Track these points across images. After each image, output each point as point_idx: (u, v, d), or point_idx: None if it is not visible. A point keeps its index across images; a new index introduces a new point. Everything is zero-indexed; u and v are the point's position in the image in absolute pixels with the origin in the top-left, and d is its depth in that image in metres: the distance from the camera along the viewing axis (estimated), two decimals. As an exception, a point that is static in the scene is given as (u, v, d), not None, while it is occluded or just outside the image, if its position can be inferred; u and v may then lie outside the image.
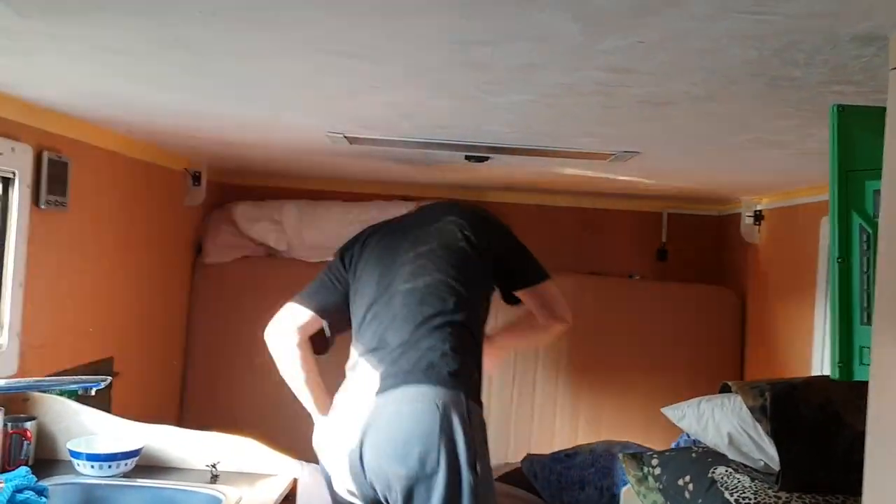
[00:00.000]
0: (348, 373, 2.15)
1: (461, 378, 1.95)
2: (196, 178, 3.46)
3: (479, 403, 2.00)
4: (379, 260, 2.16)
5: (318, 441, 2.14)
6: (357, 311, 2.17)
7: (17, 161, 2.11)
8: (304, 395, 2.23)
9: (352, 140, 2.39)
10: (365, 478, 1.96)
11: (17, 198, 2.13)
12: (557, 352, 3.69)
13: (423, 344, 1.98)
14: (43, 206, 2.23)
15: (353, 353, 2.15)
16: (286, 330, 2.32)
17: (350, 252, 2.26)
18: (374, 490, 1.96)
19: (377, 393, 1.97)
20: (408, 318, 2.02)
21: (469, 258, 2.10)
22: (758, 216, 3.53)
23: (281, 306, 3.74)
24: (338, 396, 2.15)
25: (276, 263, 3.71)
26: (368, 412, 1.95)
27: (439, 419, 1.87)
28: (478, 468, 1.88)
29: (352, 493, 2.03)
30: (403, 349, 1.99)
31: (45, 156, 2.22)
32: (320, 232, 3.70)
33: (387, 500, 1.95)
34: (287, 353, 2.29)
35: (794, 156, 2.17)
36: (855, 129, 1.11)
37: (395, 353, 2.00)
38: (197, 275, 3.69)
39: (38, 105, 2.14)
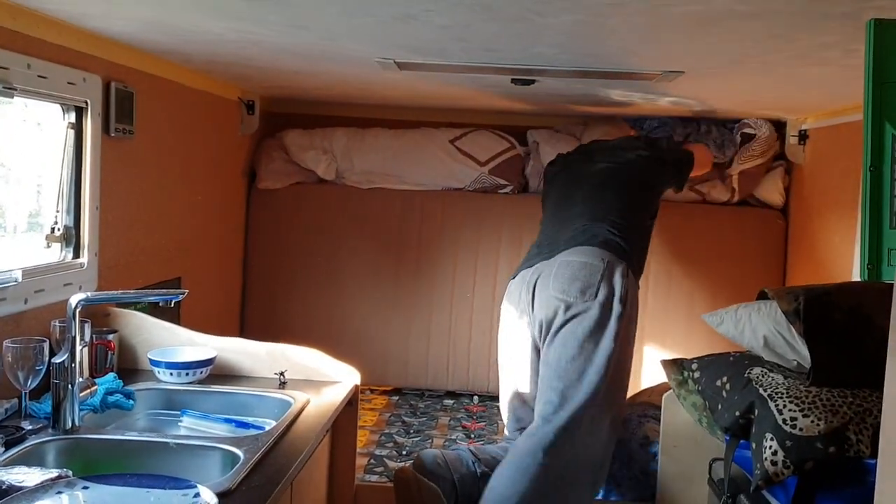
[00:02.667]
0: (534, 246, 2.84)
1: (627, 254, 2.60)
2: (250, 108, 3.58)
3: (637, 283, 2.66)
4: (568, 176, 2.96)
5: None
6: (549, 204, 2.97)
7: (89, 91, 2.23)
8: None
9: (402, 66, 2.46)
10: (532, 311, 2.59)
11: (90, 126, 2.26)
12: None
13: (598, 227, 2.66)
14: (113, 134, 2.36)
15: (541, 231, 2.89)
16: None
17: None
18: (539, 327, 2.55)
19: (552, 254, 2.63)
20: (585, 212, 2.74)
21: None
22: (802, 136, 3.53)
23: (332, 230, 3.93)
24: (516, 269, 2.81)
25: (327, 189, 3.84)
26: (545, 265, 2.61)
27: (602, 269, 2.51)
28: (626, 302, 2.48)
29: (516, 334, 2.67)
30: (573, 231, 2.68)
31: (113, 86, 2.34)
32: (369, 158, 3.80)
33: (538, 336, 2.58)
34: None
35: (836, 73, 2.19)
36: (890, 42, 1.16)
37: (565, 232, 2.69)
38: (252, 200, 3.84)
39: (104, 36, 2.24)
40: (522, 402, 2.68)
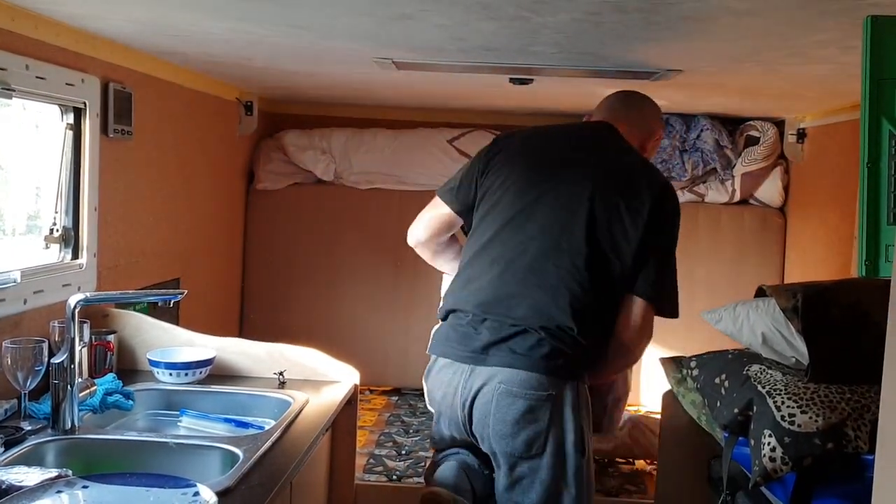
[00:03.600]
0: (448, 314, 2.06)
1: (579, 356, 1.92)
2: (248, 108, 3.58)
3: (585, 381, 1.97)
4: (512, 188, 2.04)
5: (428, 382, 2.09)
6: (471, 243, 2.08)
7: (87, 92, 2.23)
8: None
9: (400, 65, 2.46)
10: (470, 434, 2.00)
11: (89, 127, 2.26)
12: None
13: (542, 319, 1.90)
14: (111, 135, 2.36)
15: (453, 288, 2.08)
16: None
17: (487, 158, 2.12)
18: (476, 443, 2.00)
19: (487, 360, 1.93)
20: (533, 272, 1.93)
21: (606, 246, 1.95)
22: (801, 134, 3.53)
23: (331, 230, 3.91)
24: (439, 332, 2.07)
25: (326, 190, 3.84)
26: (479, 381, 1.93)
27: (549, 410, 1.89)
28: (585, 450, 1.93)
29: (453, 436, 2.05)
30: (516, 324, 1.92)
31: (111, 87, 2.34)
32: (367, 158, 3.81)
33: (490, 452, 1.98)
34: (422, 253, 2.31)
35: (834, 70, 2.20)
36: (887, 39, 1.17)
37: (505, 320, 1.93)
38: (251, 201, 3.85)
39: (102, 37, 2.25)
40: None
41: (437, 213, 2.20)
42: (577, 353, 1.91)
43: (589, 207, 1.93)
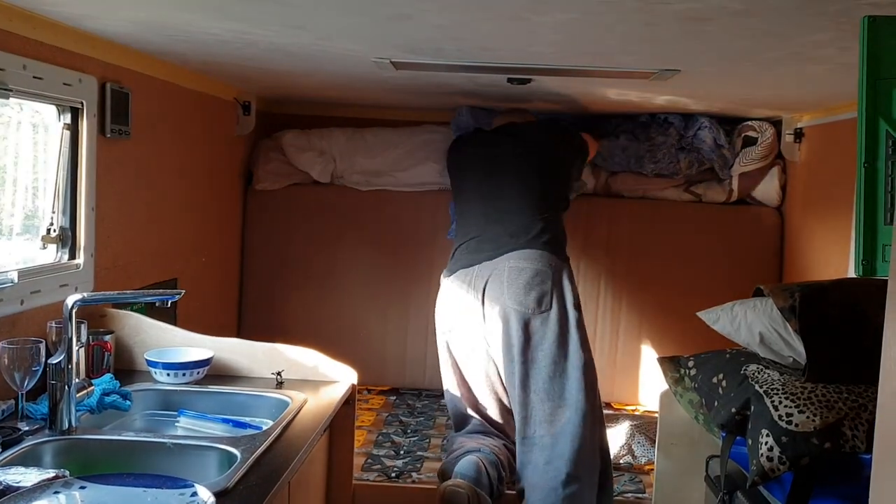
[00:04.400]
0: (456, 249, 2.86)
1: (560, 246, 2.74)
2: (246, 108, 3.58)
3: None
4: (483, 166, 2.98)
5: (439, 300, 2.85)
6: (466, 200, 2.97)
7: (84, 92, 2.23)
8: None
9: (398, 65, 2.46)
10: (484, 320, 2.63)
11: (86, 127, 2.26)
12: (599, 269, 3.80)
13: (534, 223, 2.75)
14: (108, 135, 2.36)
15: (459, 231, 2.92)
16: None
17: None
18: (488, 332, 2.63)
19: (495, 255, 2.67)
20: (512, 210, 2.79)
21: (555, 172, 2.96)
22: (798, 134, 3.54)
23: (329, 230, 3.91)
24: (449, 264, 2.85)
25: (324, 190, 3.83)
26: (489, 270, 2.65)
27: (552, 275, 2.61)
28: (579, 307, 2.63)
29: (463, 351, 2.76)
30: (512, 228, 2.74)
31: (109, 87, 2.34)
32: (367, 158, 3.80)
33: (490, 342, 2.66)
34: None
35: (832, 71, 2.20)
36: (884, 39, 1.17)
37: (503, 228, 2.74)
38: (249, 201, 3.84)
39: (99, 36, 2.24)
40: (472, 404, 2.84)
41: None
42: (559, 238, 2.79)
43: (529, 159, 2.89)
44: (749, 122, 3.66)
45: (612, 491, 2.68)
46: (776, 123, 3.64)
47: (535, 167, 2.89)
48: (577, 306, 2.62)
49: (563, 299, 2.59)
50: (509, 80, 2.66)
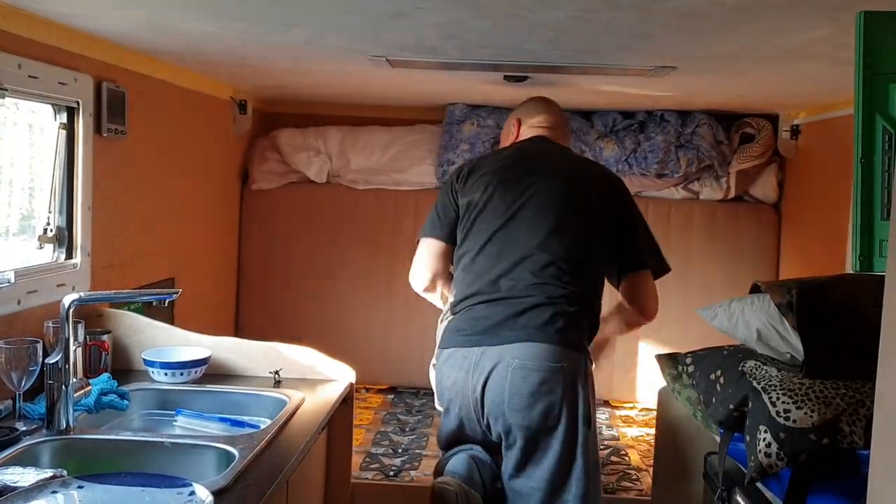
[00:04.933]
0: (457, 306, 2.23)
1: (582, 331, 2.12)
2: (242, 107, 3.57)
3: (590, 358, 2.17)
4: (497, 194, 2.22)
5: (437, 374, 2.23)
6: (470, 246, 2.24)
7: (80, 91, 2.23)
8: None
9: (394, 63, 2.46)
10: (482, 417, 2.11)
11: (82, 126, 2.26)
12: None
13: (544, 298, 2.09)
14: (105, 134, 2.35)
15: (461, 286, 2.23)
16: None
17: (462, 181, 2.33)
18: (488, 431, 2.12)
19: (501, 338, 2.08)
20: (526, 269, 2.13)
21: (592, 227, 2.20)
22: (795, 130, 3.54)
23: (326, 229, 3.90)
24: (448, 328, 2.22)
25: (321, 189, 3.83)
26: (491, 362, 2.07)
27: (563, 382, 2.03)
28: (591, 422, 2.08)
29: (462, 428, 2.17)
30: (523, 301, 2.10)
31: (105, 86, 2.34)
32: (363, 156, 3.80)
33: (499, 440, 2.11)
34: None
35: (828, 67, 2.20)
36: (880, 34, 1.17)
37: (515, 303, 2.10)
38: (246, 200, 3.84)
39: (95, 36, 2.24)
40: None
41: (429, 251, 2.35)
42: (583, 325, 2.13)
43: (567, 201, 2.19)
44: (746, 119, 3.66)
45: None
46: (773, 120, 3.65)
47: (579, 210, 2.19)
48: (589, 420, 2.07)
49: (574, 412, 2.04)
50: (506, 77, 2.66)
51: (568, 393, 2.04)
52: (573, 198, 2.19)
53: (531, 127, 2.41)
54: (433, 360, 2.28)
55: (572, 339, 2.08)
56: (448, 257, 2.33)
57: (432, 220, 2.35)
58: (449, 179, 2.37)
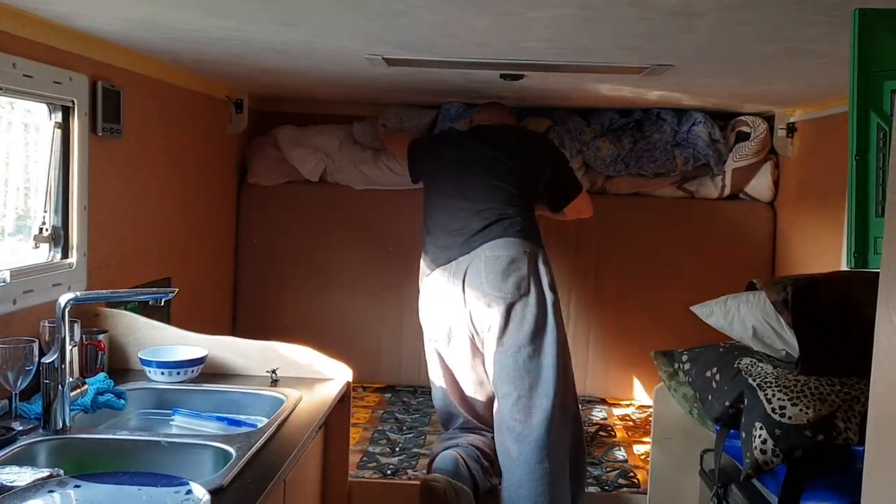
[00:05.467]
0: (429, 246, 2.92)
1: (533, 234, 2.82)
2: (238, 106, 3.57)
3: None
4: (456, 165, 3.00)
5: (421, 298, 2.93)
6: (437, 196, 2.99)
7: (75, 90, 2.22)
8: None
9: (391, 62, 2.46)
10: (465, 306, 2.72)
11: (77, 125, 2.25)
12: (592, 266, 3.80)
13: (508, 213, 2.81)
14: (100, 134, 2.35)
15: (432, 226, 2.93)
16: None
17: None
18: (473, 328, 2.74)
19: (471, 247, 2.75)
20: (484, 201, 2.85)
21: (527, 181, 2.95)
22: (790, 128, 3.55)
23: (324, 227, 3.90)
24: (424, 260, 2.92)
25: (319, 187, 3.83)
26: (467, 259, 2.74)
27: (527, 261, 2.70)
28: (555, 290, 2.74)
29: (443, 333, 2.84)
30: (485, 220, 2.79)
31: (100, 85, 2.33)
32: (362, 154, 3.80)
33: (476, 331, 2.75)
34: None
35: (825, 65, 2.20)
36: (876, 32, 1.17)
37: (477, 221, 2.79)
38: (243, 198, 3.84)
39: (90, 35, 2.24)
40: (460, 398, 2.92)
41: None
42: (534, 231, 2.84)
43: (501, 161, 2.91)
44: (742, 118, 3.67)
45: (585, 477, 2.78)
46: (769, 118, 3.65)
47: (506, 170, 2.91)
48: (554, 289, 2.72)
49: (539, 283, 2.68)
50: (502, 76, 2.66)
51: (532, 270, 2.69)
52: (505, 157, 2.98)
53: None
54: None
55: (528, 233, 2.78)
56: None
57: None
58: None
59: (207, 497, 1.35)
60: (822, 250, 3.17)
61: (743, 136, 3.67)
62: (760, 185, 3.73)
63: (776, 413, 1.71)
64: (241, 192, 3.84)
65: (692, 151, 3.64)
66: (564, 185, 3.11)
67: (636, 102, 3.48)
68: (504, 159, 2.92)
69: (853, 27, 1.18)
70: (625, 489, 2.81)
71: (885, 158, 1.17)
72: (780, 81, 2.68)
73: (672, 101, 3.39)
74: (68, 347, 1.83)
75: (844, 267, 2.71)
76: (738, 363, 1.89)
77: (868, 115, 1.18)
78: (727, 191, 3.74)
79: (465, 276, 2.72)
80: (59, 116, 2.22)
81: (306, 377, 2.31)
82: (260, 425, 1.94)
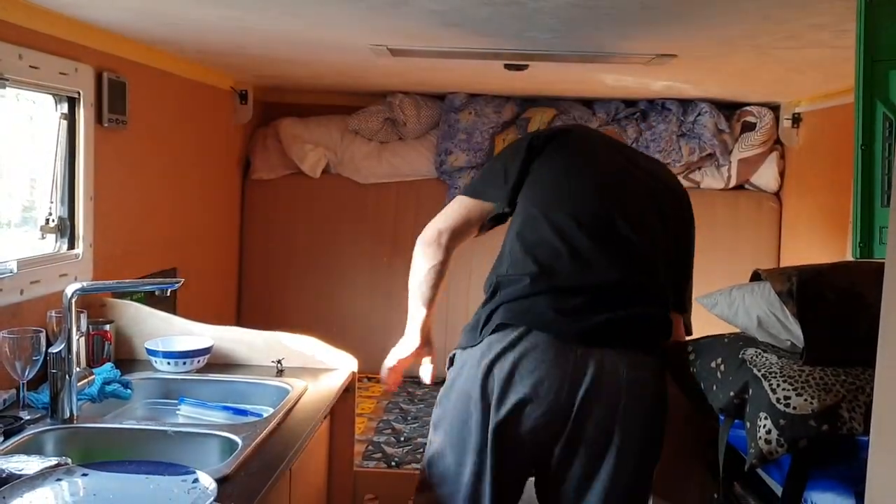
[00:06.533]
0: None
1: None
2: (242, 97, 3.57)
3: None
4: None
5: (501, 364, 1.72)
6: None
7: (81, 81, 2.23)
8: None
9: (395, 52, 2.46)
10: (567, 430, 1.72)
11: (83, 116, 2.26)
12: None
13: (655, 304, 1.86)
14: (105, 125, 2.36)
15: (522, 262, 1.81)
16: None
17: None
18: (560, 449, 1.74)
19: (604, 341, 1.73)
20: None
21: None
22: (796, 119, 3.54)
23: (328, 218, 3.88)
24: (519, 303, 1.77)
25: (323, 179, 3.83)
26: (594, 362, 1.71)
27: (663, 409, 1.86)
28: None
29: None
30: (632, 299, 1.80)
31: (105, 76, 2.33)
32: (365, 146, 3.80)
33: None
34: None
35: (829, 54, 2.19)
36: (882, 20, 1.17)
37: (612, 295, 1.78)
38: (248, 190, 3.84)
39: (96, 26, 2.24)
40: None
41: (467, 207, 1.95)
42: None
43: (662, 211, 1.98)
44: (748, 108, 3.66)
45: None
46: (774, 109, 3.64)
47: (673, 219, 2.01)
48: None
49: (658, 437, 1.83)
50: (506, 66, 2.66)
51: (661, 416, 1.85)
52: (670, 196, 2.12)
53: None
54: None
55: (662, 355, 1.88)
56: (475, 225, 2.07)
57: (487, 179, 2.02)
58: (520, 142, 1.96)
59: (214, 485, 1.36)
60: (828, 240, 3.16)
61: (749, 127, 3.66)
62: (766, 176, 3.72)
63: (781, 403, 1.71)
64: (245, 183, 3.84)
65: (698, 142, 3.63)
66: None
67: (641, 93, 3.47)
68: (670, 201, 2.12)
69: (859, 16, 1.17)
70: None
71: (890, 148, 1.17)
72: (784, 71, 2.67)
73: (677, 92, 3.38)
74: (75, 337, 1.84)
75: (850, 257, 2.70)
76: (743, 354, 1.89)
77: (874, 105, 1.17)
78: (733, 181, 3.74)
79: (587, 389, 1.72)
80: (64, 108, 2.22)
81: (311, 367, 2.32)
82: (265, 415, 1.95)
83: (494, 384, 1.70)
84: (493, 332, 1.74)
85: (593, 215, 1.80)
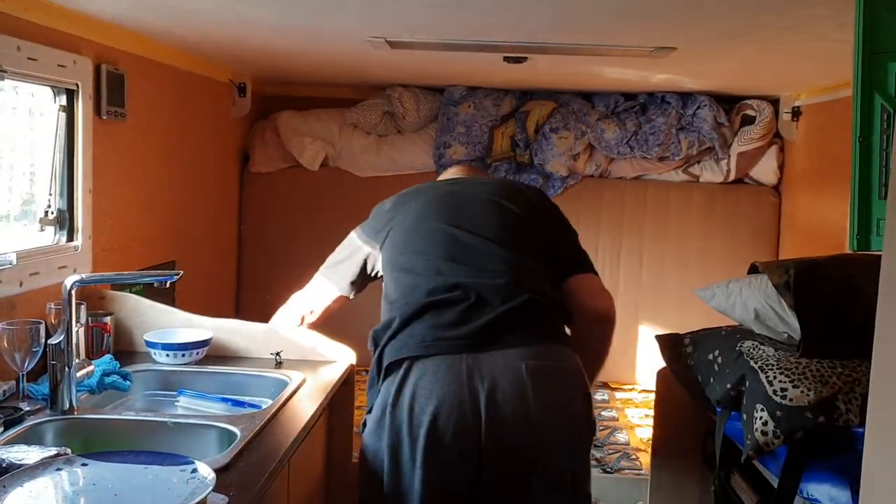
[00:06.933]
0: None
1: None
2: (241, 90, 3.56)
3: None
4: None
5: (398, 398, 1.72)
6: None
7: (79, 73, 2.22)
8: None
9: (393, 44, 2.45)
10: (482, 444, 1.64)
11: (82, 109, 2.26)
12: (596, 249, 3.80)
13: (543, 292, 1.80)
14: (104, 117, 2.35)
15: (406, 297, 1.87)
16: None
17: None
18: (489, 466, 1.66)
19: (489, 346, 1.69)
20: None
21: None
22: (796, 112, 3.53)
23: (327, 211, 3.87)
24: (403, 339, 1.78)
25: (321, 172, 3.83)
26: (488, 368, 1.67)
27: (583, 401, 1.73)
28: None
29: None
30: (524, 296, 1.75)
31: (104, 68, 2.33)
32: (363, 139, 3.80)
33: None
34: None
35: (828, 47, 2.19)
36: (880, 13, 1.17)
37: (504, 290, 1.75)
38: (246, 183, 3.84)
39: (94, 18, 2.23)
40: None
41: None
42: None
43: (503, 208, 1.92)
44: (747, 101, 3.65)
45: None
46: (774, 102, 3.64)
47: (530, 217, 1.94)
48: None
49: (591, 434, 1.74)
50: (505, 59, 2.66)
51: (586, 413, 1.72)
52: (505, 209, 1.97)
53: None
54: None
55: (566, 337, 1.83)
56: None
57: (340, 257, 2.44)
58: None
59: (213, 476, 1.37)
60: (827, 235, 3.17)
61: (748, 120, 3.66)
62: (765, 169, 3.72)
63: (777, 395, 1.72)
64: (244, 176, 3.84)
65: (697, 135, 3.63)
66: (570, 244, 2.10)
67: (640, 86, 3.46)
68: (523, 202, 2.01)
69: (857, 8, 1.17)
70: (627, 471, 2.83)
71: (888, 140, 1.17)
72: (783, 64, 2.67)
73: (676, 85, 3.38)
74: (74, 329, 1.84)
75: (847, 249, 2.71)
76: (740, 346, 1.90)
77: (872, 97, 1.17)
78: (732, 175, 3.74)
79: (488, 395, 1.66)
80: (63, 100, 2.22)
81: (310, 359, 2.33)
82: (264, 406, 1.95)
83: (404, 421, 1.69)
84: (385, 378, 1.76)
85: (430, 239, 1.88)
